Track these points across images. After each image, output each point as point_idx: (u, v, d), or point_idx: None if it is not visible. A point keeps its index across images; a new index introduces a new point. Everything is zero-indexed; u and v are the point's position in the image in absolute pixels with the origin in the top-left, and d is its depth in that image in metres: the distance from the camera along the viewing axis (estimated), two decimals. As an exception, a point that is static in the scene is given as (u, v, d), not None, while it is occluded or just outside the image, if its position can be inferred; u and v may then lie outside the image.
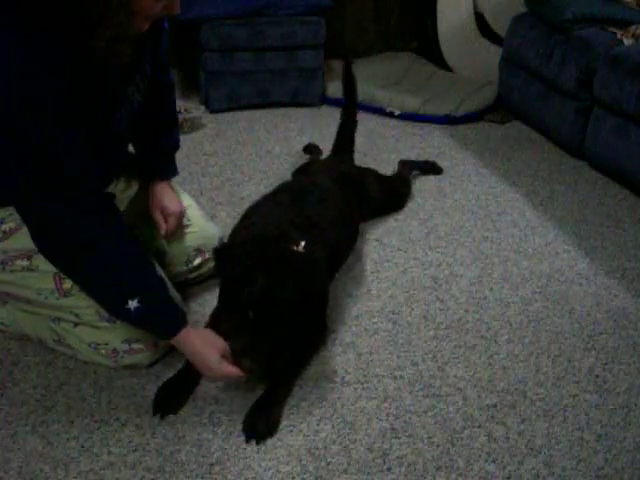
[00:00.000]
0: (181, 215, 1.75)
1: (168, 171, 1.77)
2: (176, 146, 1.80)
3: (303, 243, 1.52)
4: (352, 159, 2.45)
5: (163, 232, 1.73)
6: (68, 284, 1.47)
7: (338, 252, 1.84)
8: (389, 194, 2.36)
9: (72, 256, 1.37)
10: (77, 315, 1.51)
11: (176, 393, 1.52)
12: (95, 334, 1.53)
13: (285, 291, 1.42)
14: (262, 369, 1.50)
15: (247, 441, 1.42)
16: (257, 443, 1.42)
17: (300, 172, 2.34)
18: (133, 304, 1.37)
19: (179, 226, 1.76)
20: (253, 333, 1.43)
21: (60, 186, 1.29)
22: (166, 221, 1.73)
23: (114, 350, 1.54)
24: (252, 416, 1.46)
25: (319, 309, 1.65)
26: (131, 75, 1.43)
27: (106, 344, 1.53)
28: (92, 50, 1.21)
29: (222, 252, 1.55)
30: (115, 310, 1.44)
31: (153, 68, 1.55)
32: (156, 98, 1.66)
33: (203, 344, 1.45)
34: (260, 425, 1.44)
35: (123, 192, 1.72)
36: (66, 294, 1.48)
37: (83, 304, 1.48)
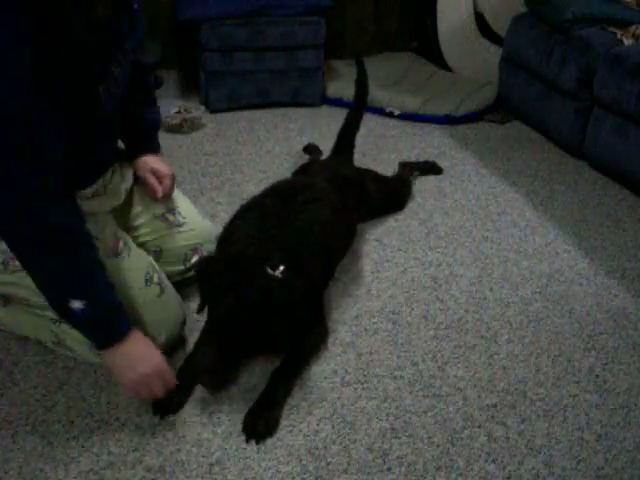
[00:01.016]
0: (174, 177, 1.76)
1: (151, 147, 1.77)
2: (157, 125, 1.80)
3: (282, 268, 1.51)
4: (352, 160, 2.46)
5: (159, 194, 1.72)
6: None
7: (332, 251, 1.84)
8: (389, 194, 2.37)
9: (28, 239, 1.30)
10: None
11: (176, 393, 1.52)
12: None
13: (250, 315, 1.44)
14: (212, 387, 1.53)
15: (247, 441, 1.42)
16: (257, 443, 1.42)
17: (300, 172, 2.34)
18: (77, 305, 1.31)
19: (173, 188, 1.76)
20: (218, 350, 1.45)
21: (30, 155, 1.24)
22: (161, 183, 1.72)
23: None
24: (252, 416, 1.46)
25: (297, 330, 1.61)
26: (111, 51, 1.43)
27: None
28: (70, 7, 1.21)
29: (203, 267, 1.56)
30: (58, 306, 1.36)
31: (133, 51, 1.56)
32: (135, 78, 1.67)
33: (150, 345, 1.44)
34: (260, 425, 1.44)
35: (120, 184, 1.71)
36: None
37: None
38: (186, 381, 1.54)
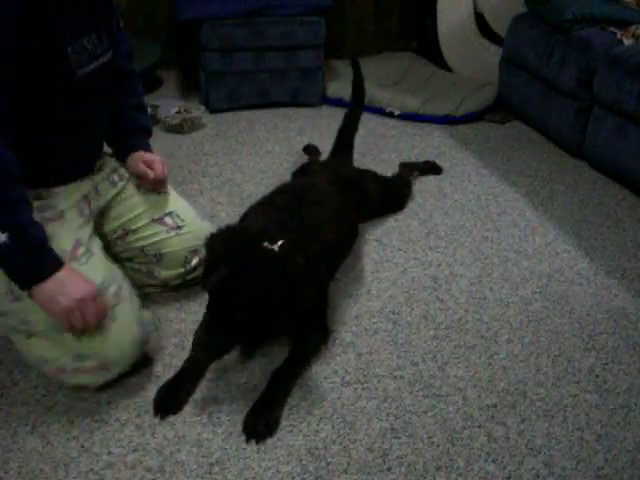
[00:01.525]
0: (163, 161, 1.78)
1: (144, 145, 1.79)
2: (148, 129, 1.83)
3: (280, 242, 1.49)
4: (351, 161, 2.46)
5: (151, 176, 1.73)
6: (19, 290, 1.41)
7: (335, 252, 1.84)
8: (389, 194, 2.37)
9: None
10: (29, 323, 1.44)
11: (176, 393, 1.52)
12: (45, 347, 1.46)
13: (242, 284, 1.41)
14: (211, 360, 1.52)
15: (247, 441, 1.43)
16: (257, 443, 1.42)
17: (299, 173, 2.34)
18: (2, 238, 1.29)
19: (164, 171, 1.77)
20: (209, 324, 1.43)
21: None
22: (151, 169, 1.74)
23: (61, 368, 1.46)
24: (252, 416, 1.46)
25: (307, 308, 1.55)
26: (84, 28, 1.45)
27: (55, 359, 1.46)
28: None
29: (207, 241, 1.57)
30: None
31: (115, 52, 1.61)
32: (123, 84, 1.72)
33: (79, 276, 1.41)
34: (260, 425, 1.44)
35: (118, 183, 1.73)
36: (17, 298, 1.42)
37: (33, 310, 1.41)
38: (186, 381, 1.54)
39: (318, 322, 1.72)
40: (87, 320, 1.40)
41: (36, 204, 1.46)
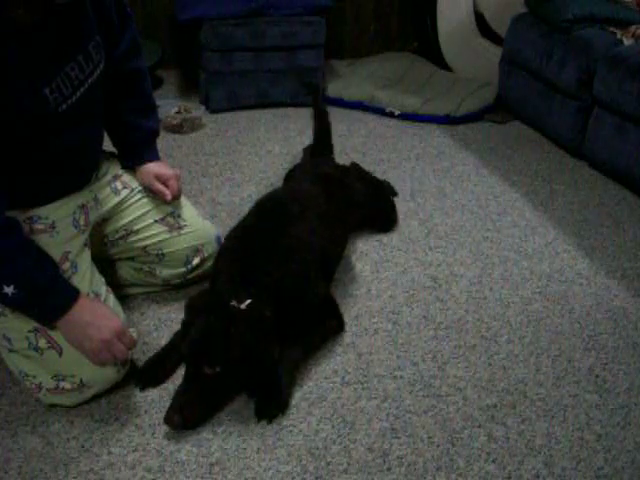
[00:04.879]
0: (178, 177, 1.77)
1: (151, 156, 1.77)
2: (156, 133, 1.79)
3: (248, 301, 1.50)
4: (333, 158, 2.38)
5: (169, 197, 1.72)
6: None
7: (327, 258, 1.81)
8: (377, 197, 2.29)
9: None
10: (9, 340, 1.43)
11: (159, 367, 1.57)
12: (25, 364, 1.44)
13: (212, 346, 1.42)
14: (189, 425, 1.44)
15: (258, 421, 1.46)
16: (268, 423, 1.46)
17: (287, 179, 2.28)
18: (9, 290, 1.31)
19: (180, 188, 1.77)
20: (187, 389, 1.43)
21: None
22: (167, 186, 1.73)
23: (39, 385, 1.44)
24: (263, 397, 1.49)
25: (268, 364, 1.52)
26: (66, 55, 1.39)
27: (34, 376, 1.44)
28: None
29: (187, 306, 1.59)
30: None
31: (120, 53, 1.59)
32: (126, 86, 1.68)
33: (99, 309, 1.43)
34: (271, 405, 1.48)
35: (121, 192, 1.71)
36: (1, 313, 1.41)
37: (13, 327, 1.41)
38: (170, 356, 1.59)
39: (332, 312, 1.75)
40: (117, 357, 1.44)
41: (25, 215, 1.45)
